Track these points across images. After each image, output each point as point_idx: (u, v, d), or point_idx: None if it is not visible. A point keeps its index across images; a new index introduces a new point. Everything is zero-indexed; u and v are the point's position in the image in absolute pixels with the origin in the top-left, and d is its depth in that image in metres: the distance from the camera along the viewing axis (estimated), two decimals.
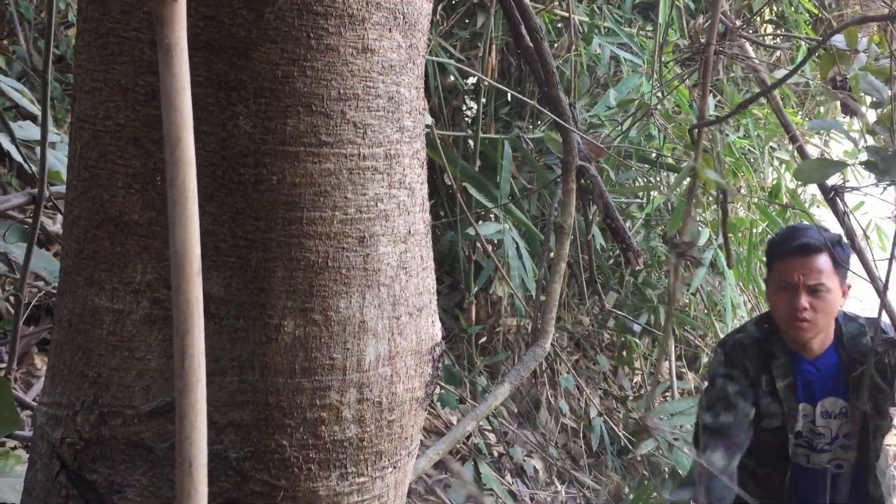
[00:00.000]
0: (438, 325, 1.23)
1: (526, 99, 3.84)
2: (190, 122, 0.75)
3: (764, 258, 2.95)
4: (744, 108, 3.33)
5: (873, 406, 2.55)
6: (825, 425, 2.61)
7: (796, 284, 2.46)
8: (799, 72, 4.33)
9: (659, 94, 3.75)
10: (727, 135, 4.29)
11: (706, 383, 2.78)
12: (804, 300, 2.47)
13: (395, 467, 1.17)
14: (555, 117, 2.63)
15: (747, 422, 2.53)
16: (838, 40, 1.92)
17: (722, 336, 3.73)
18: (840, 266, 2.51)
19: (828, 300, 2.50)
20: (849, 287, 2.59)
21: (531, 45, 2.76)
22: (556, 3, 4.34)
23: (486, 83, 3.69)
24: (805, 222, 3.55)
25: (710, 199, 4.58)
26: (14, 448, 2.22)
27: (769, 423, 2.57)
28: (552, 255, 2.70)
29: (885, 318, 2.50)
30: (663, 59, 3.88)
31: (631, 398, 4.87)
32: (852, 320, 2.63)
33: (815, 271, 2.47)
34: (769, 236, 3.66)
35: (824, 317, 2.51)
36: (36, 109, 2.38)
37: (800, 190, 5.28)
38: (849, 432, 2.59)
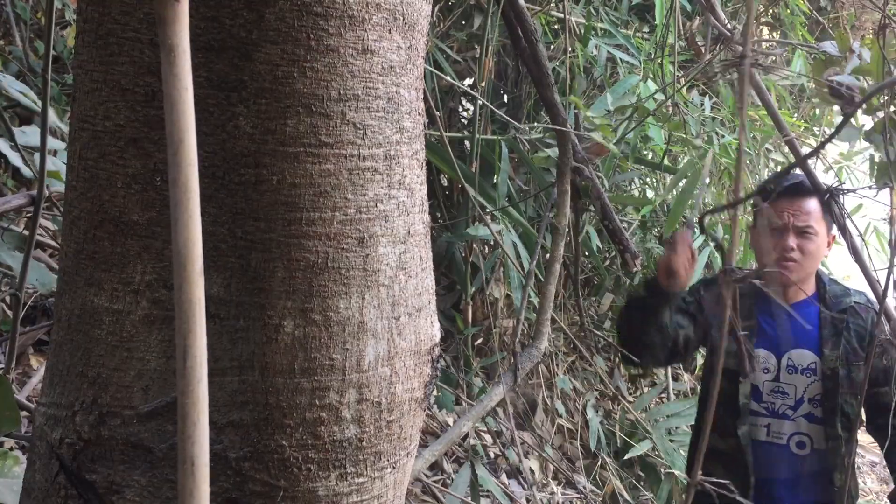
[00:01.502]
0: (437, 325, 1.23)
1: (503, 116, 3.78)
2: (192, 123, 0.75)
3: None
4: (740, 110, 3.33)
5: (847, 371, 2.48)
6: (790, 382, 2.53)
7: (785, 225, 2.46)
8: (795, 74, 4.34)
9: (661, 97, 3.76)
10: (723, 136, 4.30)
11: None
12: (792, 240, 2.46)
13: (394, 468, 1.17)
14: (547, 124, 2.63)
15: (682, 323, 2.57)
16: (831, 46, 1.93)
17: None
18: (827, 213, 2.50)
19: (815, 244, 2.49)
20: (833, 238, 2.57)
21: (527, 46, 2.77)
22: (553, 5, 4.34)
23: (481, 87, 3.69)
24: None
25: (706, 200, 4.59)
26: (11, 449, 2.22)
27: (725, 361, 2.50)
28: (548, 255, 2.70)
29: (870, 294, 2.49)
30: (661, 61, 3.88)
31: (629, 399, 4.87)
32: (836, 283, 2.63)
33: (805, 213, 2.47)
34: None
35: (810, 261, 2.50)
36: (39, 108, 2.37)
37: None
38: (815, 396, 2.51)
